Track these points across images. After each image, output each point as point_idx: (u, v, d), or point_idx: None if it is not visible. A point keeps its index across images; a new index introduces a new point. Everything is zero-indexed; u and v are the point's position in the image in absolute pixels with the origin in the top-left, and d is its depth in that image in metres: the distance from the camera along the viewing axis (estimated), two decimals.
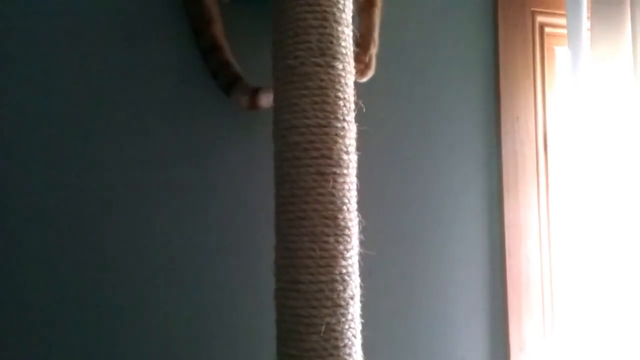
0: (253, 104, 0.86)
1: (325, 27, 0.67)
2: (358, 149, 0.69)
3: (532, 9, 1.14)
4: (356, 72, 0.72)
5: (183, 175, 0.89)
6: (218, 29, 0.88)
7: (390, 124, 1.02)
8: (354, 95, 0.69)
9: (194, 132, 0.90)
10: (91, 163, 0.84)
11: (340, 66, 0.67)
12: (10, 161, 0.80)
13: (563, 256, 1.15)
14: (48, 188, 0.81)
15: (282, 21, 0.68)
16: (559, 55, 1.20)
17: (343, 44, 0.68)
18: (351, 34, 0.70)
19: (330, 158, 0.66)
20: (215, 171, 0.91)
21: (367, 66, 0.77)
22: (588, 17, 1.11)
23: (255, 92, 0.86)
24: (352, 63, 0.70)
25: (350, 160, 0.68)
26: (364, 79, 0.77)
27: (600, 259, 1.10)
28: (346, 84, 0.68)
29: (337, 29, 0.67)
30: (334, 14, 0.67)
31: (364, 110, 0.72)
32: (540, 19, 1.15)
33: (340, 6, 0.68)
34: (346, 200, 0.67)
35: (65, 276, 0.81)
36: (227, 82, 0.87)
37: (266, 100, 0.86)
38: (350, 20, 0.70)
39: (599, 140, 1.11)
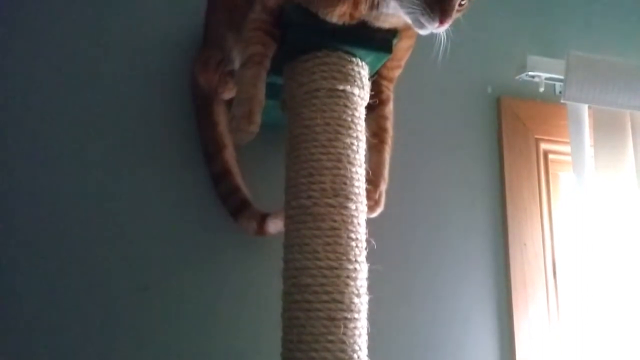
0: (260, 231, 0.86)
1: (339, 169, 0.67)
2: (368, 289, 0.67)
3: (536, 136, 1.16)
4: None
5: (185, 301, 0.86)
6: (230, 154, 0.89)
7: (401, 260, 1.01)
8: (365, 233, 0.68)
9: (199, 256, 0.89)
10: (95, 291, 0.83)
11: (353, 206, 0.67)
12: None
13: None
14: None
15: (295, 160, 0.68)
16: (564, 181, 1.21)
17: (356, 184, 0.68)
18: (364, 172, 0.70)
19: (341, 302, 0.63)
20: (219, 298, 0.88)
21: (376, 202, 0.77)
22: (590, 145, 1.13)
23: (263, 219, 0.85)
24: (365, 202, 0.69)
25: (362, 303, 0.65)
26: (373, 215, 0.77)
27: None
28: (359, 223, 0.67)
29: (350, 170, 0.67)
30: (348, 155, 0.67)
31: (375, 247, 0.71)
32: (544, 146, 1.17)
33: (354, 147, 0.68)
34: (357, 347, 0.63)
35: None
36: (236, 207, 0.87)
37: (274, 227, 0.85)
38: (363, 160, 0.70)
39: (607, 261, 1.09)
